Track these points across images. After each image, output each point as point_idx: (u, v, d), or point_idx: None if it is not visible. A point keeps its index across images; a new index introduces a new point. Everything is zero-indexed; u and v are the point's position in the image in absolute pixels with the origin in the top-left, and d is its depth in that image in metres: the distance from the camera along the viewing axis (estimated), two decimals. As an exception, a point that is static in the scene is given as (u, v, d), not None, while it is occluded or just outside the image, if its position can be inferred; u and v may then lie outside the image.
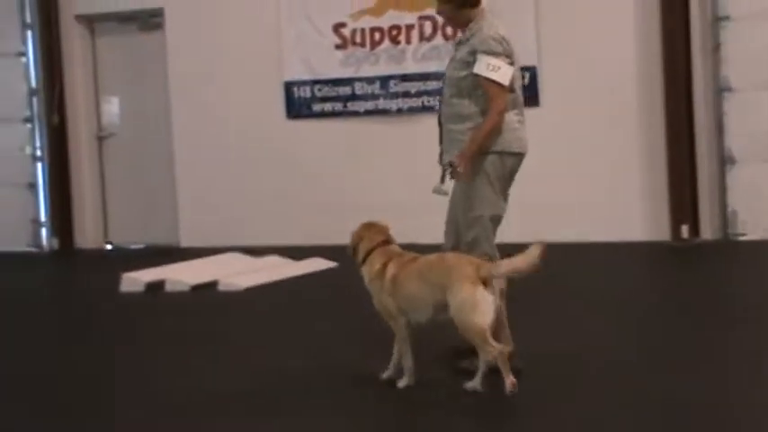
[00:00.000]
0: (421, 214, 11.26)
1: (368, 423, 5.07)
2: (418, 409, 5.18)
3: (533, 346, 6.24)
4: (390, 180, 11.32)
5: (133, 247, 12.55)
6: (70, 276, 11.37)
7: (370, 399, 5.38)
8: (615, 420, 4.86)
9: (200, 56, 12.07)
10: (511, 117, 5.62)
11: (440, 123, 5.78)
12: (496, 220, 5.70)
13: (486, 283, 5.15)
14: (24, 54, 12.55)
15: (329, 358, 6.21)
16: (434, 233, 10.92)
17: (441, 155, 5.78)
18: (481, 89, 5.56)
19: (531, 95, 10.78)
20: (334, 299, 8.29)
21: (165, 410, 5.41)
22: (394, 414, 5.20)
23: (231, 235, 11.66)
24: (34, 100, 12.61)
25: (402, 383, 5.42)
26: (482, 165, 5.60)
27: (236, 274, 9.35)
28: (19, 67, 12.58)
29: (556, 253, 10.07)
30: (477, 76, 5.54)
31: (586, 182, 10.75)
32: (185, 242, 12.15)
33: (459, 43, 5.75)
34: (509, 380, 5.13)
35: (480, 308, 5.12)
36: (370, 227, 5.64)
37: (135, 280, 9.17)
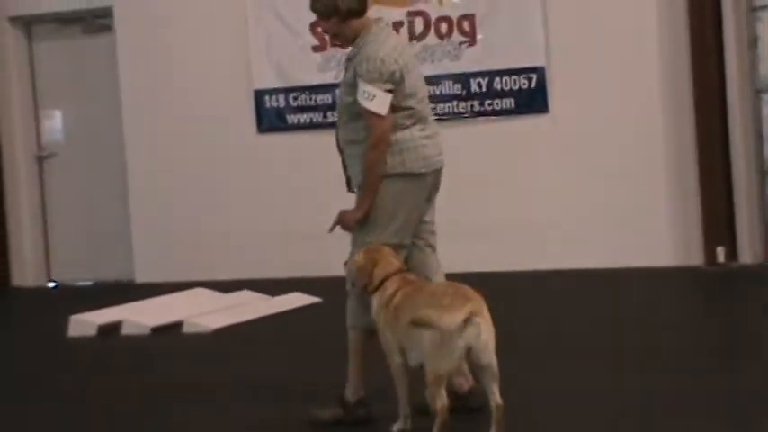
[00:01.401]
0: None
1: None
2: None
3: (537, 383, 6.30)
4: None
5: (81, 283, 12.49)
6: (7, 320, 11.24)
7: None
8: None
9: (155, 62, 12.04)
10: (413, 133, 5.85)
11: (339, 149, 6.04)
12: (397, 250, 5.80)
13: (466, 321, 5.18)
14: (-50, 62, 12.54)
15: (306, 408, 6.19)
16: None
17: (348, 182, 6.07)
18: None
19: (539, 101, 10.87)
20: (317, 340, 8.25)
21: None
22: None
23: (195, 268, 11.61)
24: (-38, 115, 12.59)
25: (396, 428, 5.51)
26: (378, 190, 5.82)
27: (203, 313, 9.31)
28: (-56, 77, 12.58)
29: (571, 281, 10.21)
30: (360, 109, 5.81)
31: (604, 199, 10.75)
32: (141, 277, 12.10)
33: (349, 60, 5.98)
34: None
35: (445, 352, 5.17)
36: (377, 250, 5.69)
37: (85, 322, 9.11)
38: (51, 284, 12.66)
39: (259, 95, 11.68)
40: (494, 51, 10.95)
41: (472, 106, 11.07)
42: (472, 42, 11.03)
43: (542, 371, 6.84)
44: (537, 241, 10.92)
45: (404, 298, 5.48)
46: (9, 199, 12.64)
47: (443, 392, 5.21)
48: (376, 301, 5.59)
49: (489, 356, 5.23)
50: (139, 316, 9.22)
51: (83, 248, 12.58)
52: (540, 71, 10.82)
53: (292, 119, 11.62)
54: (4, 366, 8.48)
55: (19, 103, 12.64)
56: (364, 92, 5.74)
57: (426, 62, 11.09)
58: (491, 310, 5.28)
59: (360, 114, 5.81)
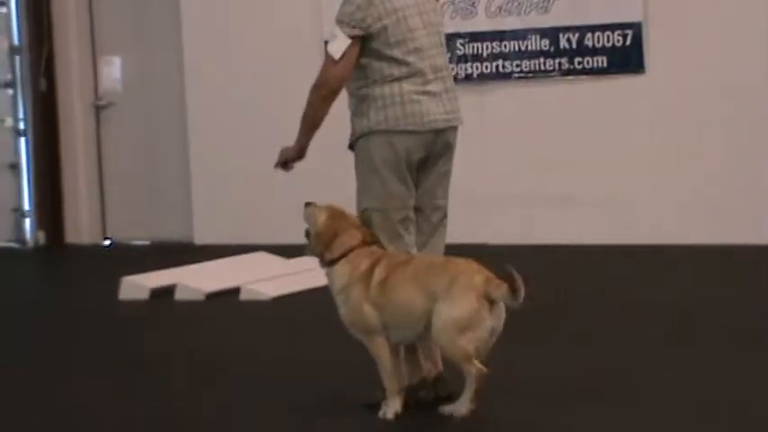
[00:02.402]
0: (493, 207, 11.11)
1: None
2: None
3: (660, 367, 6.13)
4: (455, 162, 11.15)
5: (137, 243, 12.52)
6: (58, 279, 11.36)
7: None
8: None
9: (220, 7, 11.99)
10: (402, 88, 5.73)
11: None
12: (391, 212, 5.74)
13: (492, 303, 5.29)
14: (5, 3, 12.55)
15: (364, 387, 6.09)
16: (506, 230, 10.76)
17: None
18: (363, 59, 5.74)
19: (635, 59, 10.63)
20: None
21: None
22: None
23: (257, 230, 11.57)
24: (17, 60, 12.61)
25: (389, 412, 5.52)
26: (366, 146, 5.77)
27: (262, 279, 9.28)
28: (-2, 20, 12.61)
29: (668, 259, 9.98)
30: None
31: (706, 169, 10.53)
32: (200, 239, 12.10)
33: None
34: (465, 405, 5.33)
35: (473, 331, 5.27)
36: (342, 217, 5.66)
37: (137, 285, 9.13)
38: (106, 243, 12.69)
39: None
40: (586, 4, 10.71)
41: (561, 64, 10.86)
42: (563, -7, 10.83)
43: (660, 353, 6.72)
44: (630, 213, 10.71)
45: (391, 272, 5.45)
46: (64, 151, 12.69)
47: (476, 361, 5.29)
48: (340, 274, 5.55)
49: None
50: (194, 280, 9.20)
51: (140, 206, 12.60)
52: (636, 26, 10.58)
53: (366, 72, 11.45)
54: (49, 327, 8.52)
55: (76, 48, 12.66)
56: (332, 32, 5.72)
57: (512, 15, 10.95)
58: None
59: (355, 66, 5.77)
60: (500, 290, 5.26)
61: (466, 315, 5.25)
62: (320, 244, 5.60)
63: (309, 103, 5.76)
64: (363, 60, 5.70)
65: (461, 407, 5.36)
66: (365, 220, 5.71)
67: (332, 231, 5.59)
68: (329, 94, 5.71)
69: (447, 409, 5.44)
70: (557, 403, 5.69)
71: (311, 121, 5.79)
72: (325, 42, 5.92)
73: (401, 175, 5.74)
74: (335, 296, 5.62)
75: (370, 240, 5.63)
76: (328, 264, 5.60)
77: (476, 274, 5.31)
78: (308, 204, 5.75)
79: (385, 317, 5.46)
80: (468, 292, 5.26)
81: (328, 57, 5.67)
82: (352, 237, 5.58)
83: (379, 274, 5.46)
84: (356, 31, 5.65)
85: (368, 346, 5.57)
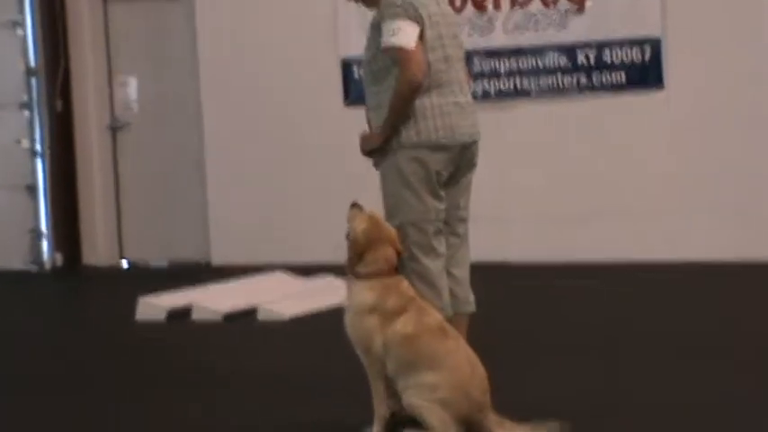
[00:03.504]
0: (513, 224, 11.05)
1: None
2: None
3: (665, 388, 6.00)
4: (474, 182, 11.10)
5: (154, 264, 12.52)
6: (76, 301, 11.38)
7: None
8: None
9: (236, 28, 12.00)
10: (432, 100, 5.72)
11: (367, 118, 5.92)
12: (427, 225, 5.71)
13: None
14: (21, 24, 12.60)
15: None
16: (524, 248, 10.70)
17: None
18: (396, 69, 5.63)
19: (654, 75, 10.59)
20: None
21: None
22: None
23: (274, 250, 11.56)
24: (33, 82, 12.66)
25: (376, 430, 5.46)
26: (396, 162, 5.71)
27: (280, 299, 9.26)
28: (14, 41, 12.63)
29: (686, 275, 9.91)
30: (385, 50, 5.63)
31: (725, 186, 10.47)
32: (218, 259, 12.09)
33: (373, 27, 5.82)
34: None
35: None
36: (379, 229, 5.52)
37: (154, 306, 9.13)
38: (123, 264, 12.69)
39: (347, 64, 11.53)
40: (604, 20, 10.69)
41: (579, 80, 10.83)
42: (580, 9, 10.77)
43: (666, 373, 6.67)
44: (647, 230, 10.65)
45: (421, 333, 5.34)
46: (81, 172, 12.71)
47: None
48: (362, 296, 5.43)
49: None
50: (211, 301, 9.21)
51: (157, 227, 12.60)
52: (654, 42, 10.55)
53: (383, 91, 11.43)
54: (66, 349, 8.50)
55: (92, 69, 12.69)
56: (389, 29, 5.59)
57: (530, 31, 10.93)
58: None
59: (381, 75, 5.68)
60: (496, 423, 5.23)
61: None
62: (353, 252, 5.50)
63: (400, 99, 5.62)
64: (396, 69, 5.63)
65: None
66: (400, 235, 5.62)
67: (367, 243, 5.48)
68: (419, 87, 5.60)
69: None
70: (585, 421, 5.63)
71: (400, 113, 5.65)
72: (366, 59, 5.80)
73: (432, 188, 5.72)
74: (347, 307, 5.52)
75: (396, 266, 5.51)
76: (355, 275, 5.50)
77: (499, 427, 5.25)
78: (353, 205, 5.64)
79: (389, 356, 5.38)
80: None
81: (401, 51, 5.56)
82: (384, 258, 5.46)
83: (405, 324, 5.35)
84: (415, 24, 5.59)
85: (365, 364, 5.50)
